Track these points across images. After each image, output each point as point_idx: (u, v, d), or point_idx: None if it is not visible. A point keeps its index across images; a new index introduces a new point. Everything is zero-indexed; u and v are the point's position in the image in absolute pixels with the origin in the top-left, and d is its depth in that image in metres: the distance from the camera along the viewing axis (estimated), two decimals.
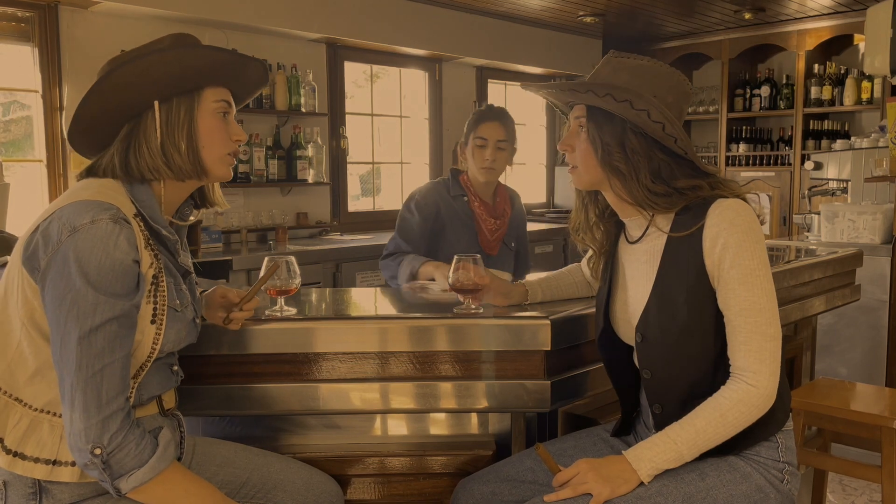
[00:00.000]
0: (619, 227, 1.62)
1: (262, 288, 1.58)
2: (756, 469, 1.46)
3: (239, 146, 1.50)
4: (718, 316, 1.44)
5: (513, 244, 2.73)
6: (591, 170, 1.51)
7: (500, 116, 2.59)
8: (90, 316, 1.25)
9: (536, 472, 1.59)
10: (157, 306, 1.37)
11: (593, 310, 1.71)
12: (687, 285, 1.44)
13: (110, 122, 1.42)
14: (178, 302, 1.42)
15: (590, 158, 1.50)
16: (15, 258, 1.34)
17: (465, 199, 2.61)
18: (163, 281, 1.38)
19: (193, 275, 1.55)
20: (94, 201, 1.30)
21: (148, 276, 1.35)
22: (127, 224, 1.31)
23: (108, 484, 1.28)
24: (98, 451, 1.24)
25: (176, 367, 1.51)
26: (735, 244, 1.40)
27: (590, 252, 1.73)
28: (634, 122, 1.44)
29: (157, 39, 1.44)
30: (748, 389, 1.38)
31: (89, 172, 1.44)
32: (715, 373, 1.45)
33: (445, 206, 2.59)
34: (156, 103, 1.39)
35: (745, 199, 1.47)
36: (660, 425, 1.47)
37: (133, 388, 1.37)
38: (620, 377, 1.63)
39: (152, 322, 1.36)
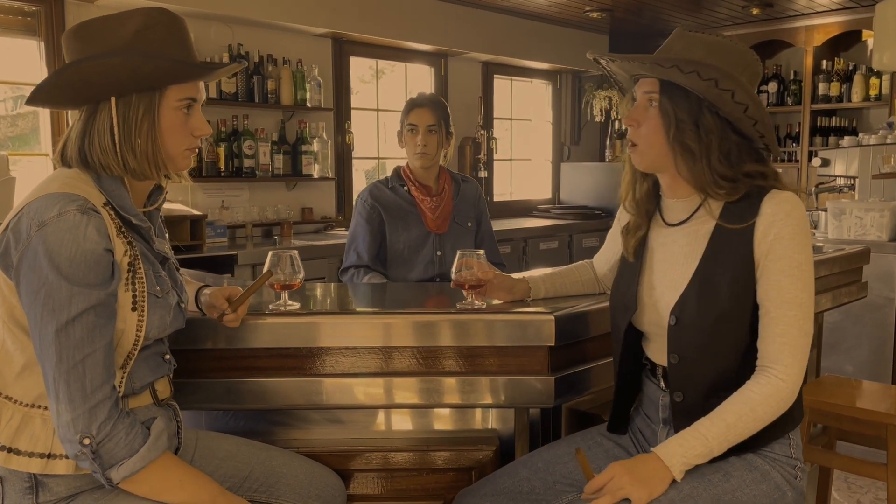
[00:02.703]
0: (656, 209, 1.59)
1: (256, 290, 1.58)
2: (773, 467, 1.45)
3: (200, 140, 1.43)
4: (755, 308, 1.42)
5: (469, 223, 2.79)
6: (656, 147, 1.47)
7: (430, 103, 2.73)
8: (66, 308, 1.24)
9: (533, 482, 1.58)
10: (137, 293, 1.36)
11: (598, 306, 1.71)
12: (732, 272, 1.42)
13: (68, 103, 1.40)
14: (158, 288, 1.41)
15: (657, 135, 1.46)
16: None
17: (405, 187, 2.73)
18: (140, 268, 1.37)
19: (173, 260, 1.52)
20: (60, 194, 1.29)
21: (123, 264, 1.34)
22: (96, 213, 1.30)
23: (100, 474, 1.28)
24: (87, 441, 1.24)
25: (168, 356, 1.50)
26: (788, 236, 1.39)
27: (614, 239, 1.72)
28: (714, 101, 1.41)
29: (128, 13, 1.34)
30: (778, 384, 1.37)
31: (62, 158, 1.40)
32: (741, 365, 1.43)
33: (385, 201, 2.71)
34: (112, 100, 1.34)
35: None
36: (677, 414, 1.46)
37: (123, 378, 1.37)
38: (629, 365, 1.60)
39: (133, 309, 1.36)
